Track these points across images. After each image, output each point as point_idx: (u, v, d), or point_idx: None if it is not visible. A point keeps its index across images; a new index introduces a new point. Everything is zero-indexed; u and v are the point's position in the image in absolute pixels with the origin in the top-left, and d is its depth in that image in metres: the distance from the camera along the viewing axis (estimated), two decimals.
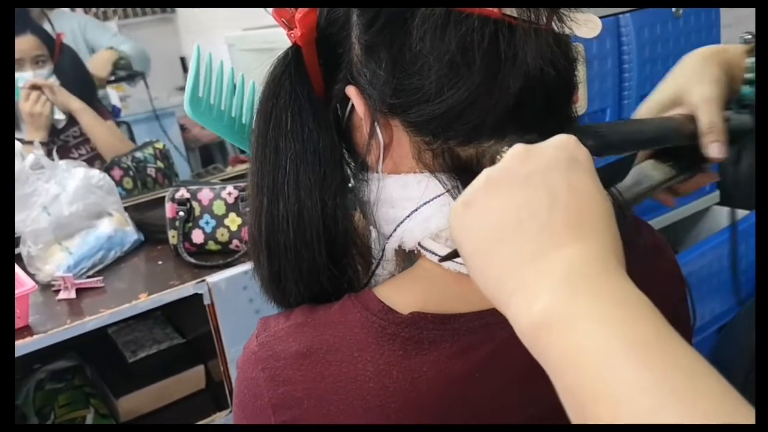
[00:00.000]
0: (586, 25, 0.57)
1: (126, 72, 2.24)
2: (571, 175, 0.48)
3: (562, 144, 0.50)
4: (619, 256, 0.47)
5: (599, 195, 0.48)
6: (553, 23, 0.55)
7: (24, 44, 1.90)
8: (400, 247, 0.64)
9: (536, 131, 0.59)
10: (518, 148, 0.50)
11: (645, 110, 0.76)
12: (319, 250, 0.62)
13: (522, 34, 0.53)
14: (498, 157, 0.52)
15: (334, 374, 0.58)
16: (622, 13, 1.60)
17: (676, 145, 0.70)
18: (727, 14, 1.86)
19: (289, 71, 0.62)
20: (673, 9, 1.67)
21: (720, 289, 1.81)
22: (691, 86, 0.72)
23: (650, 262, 0.71)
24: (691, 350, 0.41)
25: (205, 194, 1.55)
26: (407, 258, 0.67)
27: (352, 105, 0.61)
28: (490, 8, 0.53)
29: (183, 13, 2.69)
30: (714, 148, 0.69)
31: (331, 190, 0.62)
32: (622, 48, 1.64)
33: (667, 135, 0.70)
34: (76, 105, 1.94)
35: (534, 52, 0.54)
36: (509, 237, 0.47)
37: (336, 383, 0.58)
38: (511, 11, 0.53)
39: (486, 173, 0.50)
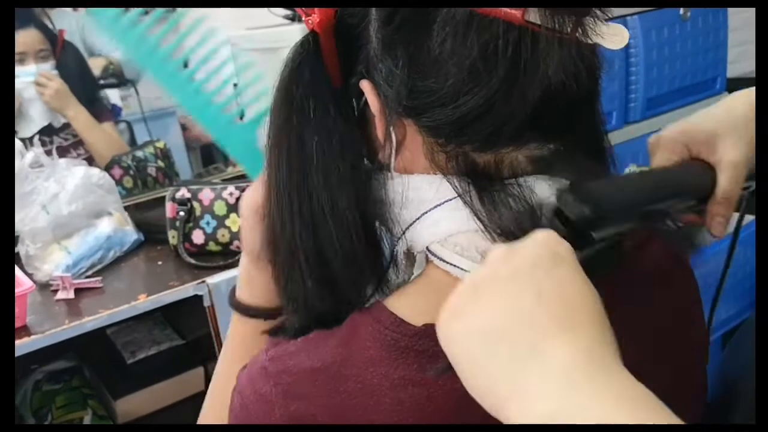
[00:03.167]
0: (611, 38, 0.54)
1: (116, 79, 2.24)
2: (554, 270, 0.47)
3: (543, 241, 0.49)
4: (613, 347, 0.46)
5: (586, 289, 0.47)
6: (577, 33, 0.53)
7: (28, 38, 1.89)
8: (408, 250, 0.62)
9: (558, 140, 0.57)
10: (498, 250, 0.49)
11: (672, 134, 0.70)
12: (358, 240, 0.61)
13: (545, 45, 0.52)
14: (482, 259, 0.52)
15: (349, 390, 0.56)
16: (630, 15, 1.59)
17: (683, 206, 0.64)
18: (734, 17, 1.85)
19: (307, 59, 0.60)
20: (681, 11, 1.65)
21: (724, 294, 1.80)
22: (728, 138, 0.66)
23: (658, 283, 0.69)
24: None
25: (206, 194, 1.53)
26: (414, 263, 0.66)
27: (366, 99, 0.60)
28: (513, 12, 0.51)
29: (184, 12, 2.67)
30: (716, 225, 0.65)
31: (362, 179, 0.60)
32: (629, 50, 1.63)
33: (677, 196, 0.63)
34: (71, 113, 1.94)
35: (556, 65, 0.52)
36: (497, 343, 0.45)
37: (351, 399, 0.56)
38: (535, 18, 0.51)
39: (469, 278, 0.49)
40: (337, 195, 0.60)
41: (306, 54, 0.60)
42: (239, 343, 0.76)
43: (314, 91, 0.60)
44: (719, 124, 0.67)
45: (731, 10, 1.82)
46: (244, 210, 0.73)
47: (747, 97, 0.69)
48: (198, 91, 0.73)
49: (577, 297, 0.46)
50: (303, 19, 0.60)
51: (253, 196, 0.71)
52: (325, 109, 0.60)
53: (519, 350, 0.44)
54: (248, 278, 0.74)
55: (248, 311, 0.74)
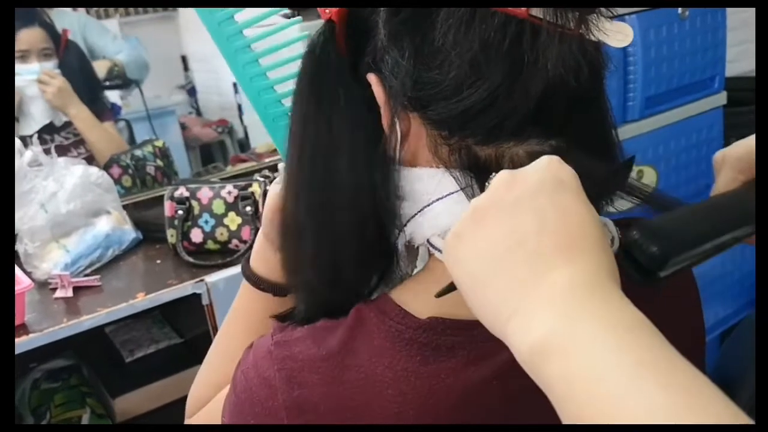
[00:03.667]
0: (615, 36, 0.55)
1: (120, 80, 2.24)
2: (558, 196, 0.48)
3: (546, 166, 0.50)
4: (614, 275, 0.46)
5: (588, 215, 0.48)
6: (580, 29, 0.53)
7: (31, 36, 1.90)
8: (409, 242, 0.62)
9: (560, 135, 0.58)
10: (503, 174, 0.50)
11: (738, 153, 0.66)
12: (370, 232, 0.61)
13: (546, 38, 0.52)
14: (486, 184, 0.52)
15: (352, 379, 0.57)
16: (628, 14, 1.59)
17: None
18: (732, 17, 1.85)
19: (330, 47, 0.60)
20: (679, 10, 1.65)
21: (724, 292, 1.80)
22: None
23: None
24: (692, 368, 0.40)
25: (205, 193, 1.53)
26: (417, 255, 0.66)
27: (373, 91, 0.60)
28: (517, 8, 0.52)
29: (185, 11, 2.67)
30: None
31: (375, 173, 0.60)
32: (627, 49, 1.62)
33: (745, 224, 0.59)
34: (73, 111, 1.94)
35: (556, 58, 0.52)
36: (501, 265, 0.46)
37: (353, 388, 0.57)
38: (537, 12, 0.52)
39: (474, 203, 0.50)
40: (355, 183, 0.60)
41: (327, 42, 0.60)
42: (244, 315, 0.76)
43: (340, 78, 0.60)
44: None
45: (730, 10, 1.82)
46: (269, 200, 0.74)
47: None
48: (258, 77, 0.74)
49: (579, 224, 0.47)
50: (319, 9, 0.60)
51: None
52: (353, 95, 0.60)
53: (519, 275, 0.45)
54: (263, 254, 0.75)
55: (259, 284, 0.75)
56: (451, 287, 0.52)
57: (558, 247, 0.45)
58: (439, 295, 0.54)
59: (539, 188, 0.48)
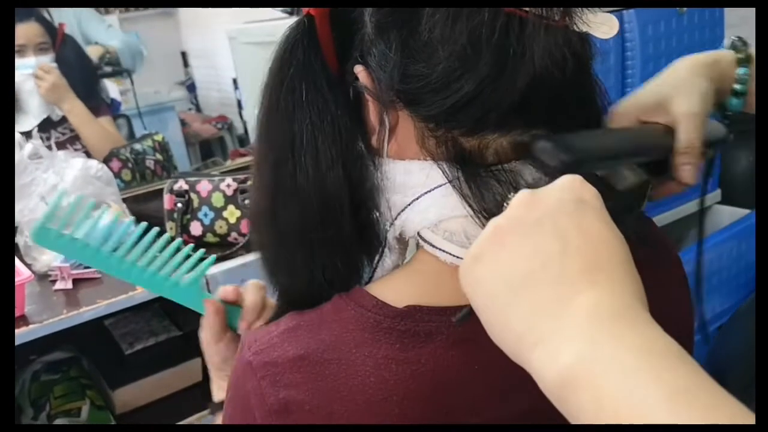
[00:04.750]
0: (600, 27, 0.55)
1: (112, 67, 2.24)
2: (580, 217, 0.46)
3: (568, 185, 0.49)
4: (641, 298, 0.45)
5: (612, 235, 0.46)
6: (565, 21, 0.54)
7: (28, 31, 1.90)
8: (401, 235, 0.63)
9: (542, 127, 0.58)
10: (523, 194, 0.49)
11: (623, 108, 0.71)
12: (345, 223, 0.61)
13: (532, 31, 0.52)
14: (504, 204, 0.50)
15: (335, 373, 0.57)
16: (626, 9, 1.59)
17: (653, 159, 0.65)
18: (731, 13, 1.85)
19: (302, 40, 0.60)
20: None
21: (720, 287, 1.81)
22: (677, 96, 0.67)
23: (657, 260, 0.70)
24: (731, 397, 0.39)
25: (204, 186, 1.54)
26: (406, 248, 0.66)
27: (361, 85, 0.60)
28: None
29: (184, 8, 2.68)
30: (685, 172, 0.65)
31: (353, 162, 0.61)
32: (626, 44, 1.63)
33: (646, 148, 0.66)
34: (67, 106, 1.95)
35: (542, 50, 0.52)
36: (523, 289, 0.45)
37: (337, 381, 0.57)
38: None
39: (493, 223, 0.48)
40: (326, 177, 0.60)
41: (299, 35, 0.60)
42: None
43: (307, 72, 0.60)
44: (664, 87, 0.68)
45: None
46: (204, 331, 0.80)
47: (688, 60, 0.71)
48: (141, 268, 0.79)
49: (603, 245, 0.46)
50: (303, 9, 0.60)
51: (208, 323, 0.79)
52: (317, 91, 0.60)
53: (544, 298, 0.44)
54: (221, 382, 0.80)
55: None
56: (470, 312, 0.50)
57: (582, 269, 0.44)
58: (459, 321, 0.53)
59: (560, 208, 0.47)
